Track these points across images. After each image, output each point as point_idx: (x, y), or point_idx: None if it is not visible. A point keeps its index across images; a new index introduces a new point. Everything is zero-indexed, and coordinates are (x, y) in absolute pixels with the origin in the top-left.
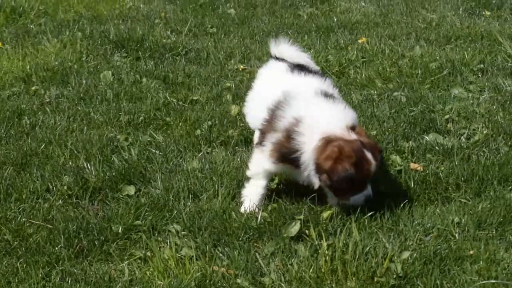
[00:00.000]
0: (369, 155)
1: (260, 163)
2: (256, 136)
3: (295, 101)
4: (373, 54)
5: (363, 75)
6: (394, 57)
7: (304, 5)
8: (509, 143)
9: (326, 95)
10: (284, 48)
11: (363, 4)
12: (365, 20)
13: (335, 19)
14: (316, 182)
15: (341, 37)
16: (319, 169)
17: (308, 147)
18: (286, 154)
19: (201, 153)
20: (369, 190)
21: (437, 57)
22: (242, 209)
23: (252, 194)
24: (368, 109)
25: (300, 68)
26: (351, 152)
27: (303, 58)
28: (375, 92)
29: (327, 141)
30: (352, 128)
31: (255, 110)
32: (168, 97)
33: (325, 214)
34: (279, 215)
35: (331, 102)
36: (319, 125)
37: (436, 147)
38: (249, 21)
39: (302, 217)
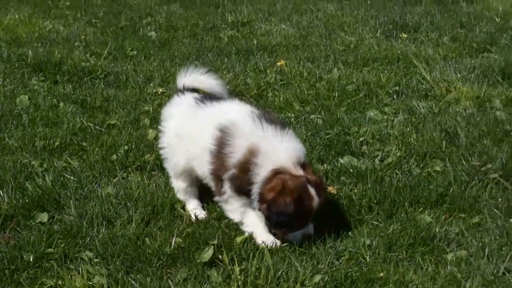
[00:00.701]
0: (312, 191)
1: (234, 203)
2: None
3: (240, 131)
4: (291, 76)
5: (281, 98)
6: (312, 79)
7: (225, 28)
8: (421, 165)
9: (267, 119)
10: (196, 77)
11: (284, 26)
12: (285, 43)
13: (255, 42)
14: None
15: (260, 60)
16: (261, 199)
17: (260, 178)
18: (243, 187)
19: (116, 178)
20: (309, 228)
21: (354, 80)
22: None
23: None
24: None
25: (213, 97)
26: (294, 187)
27: (216, 85)
28: (293, 115)
29: (275, 173)
30: (302, 165)
31: (180, 156)
32: (85, 122)
33: (239, 239)
34: (193, 240)
35: (283, 132)
36: (275, 157)
37: (351, 170)
38: (169, 43)
39: (215, 242)
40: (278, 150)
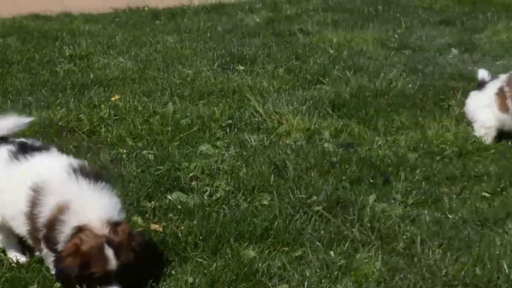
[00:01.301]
0: (110, 254)
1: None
2: None
3: (51, 188)
4: (125, 111)
5: (114, 133)
6: (147, 114)
7: (62, 61)
8: (248, 199)
9: (84, 173)
10: (10, 122)
11: (122, 59)
12: (122, 76)
13: (92, 76)
14: None
15: (95, 95)
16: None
17: (65, 236)
18: (51, 245)
19: None
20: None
21: (189, 114)
22: None
23: None
24: (115, 169)
25: (29, 149)
26: (86, 251)
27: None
28: (125, 151)
29: (78, 230)
30: (114, 222)
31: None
32: None
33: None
34: (12, 285)
35: (97, 187)
36: (82, 214)
37: (179, 206)
38: (3, 78)
39: (35, 286)
40: (87, 207)
